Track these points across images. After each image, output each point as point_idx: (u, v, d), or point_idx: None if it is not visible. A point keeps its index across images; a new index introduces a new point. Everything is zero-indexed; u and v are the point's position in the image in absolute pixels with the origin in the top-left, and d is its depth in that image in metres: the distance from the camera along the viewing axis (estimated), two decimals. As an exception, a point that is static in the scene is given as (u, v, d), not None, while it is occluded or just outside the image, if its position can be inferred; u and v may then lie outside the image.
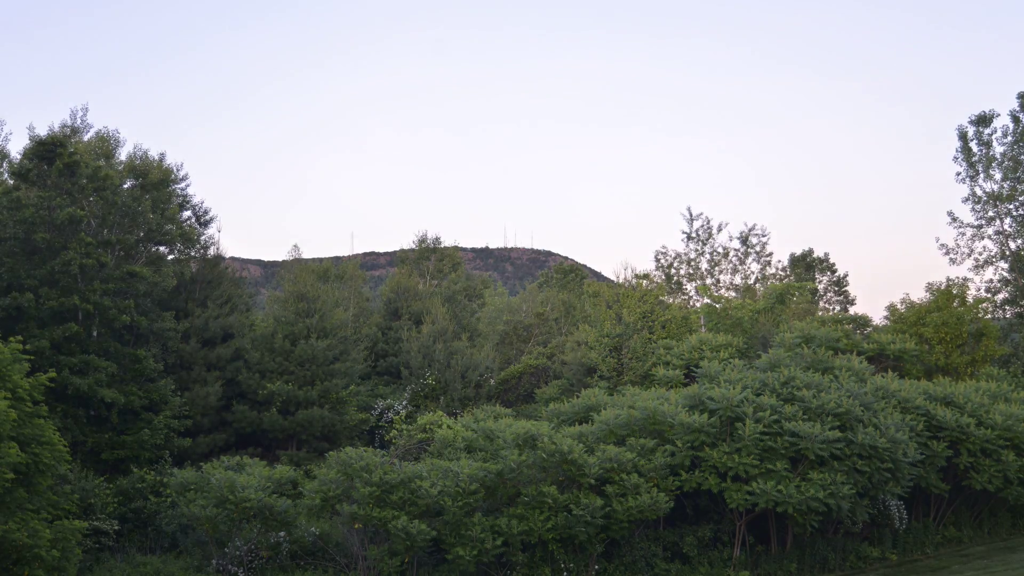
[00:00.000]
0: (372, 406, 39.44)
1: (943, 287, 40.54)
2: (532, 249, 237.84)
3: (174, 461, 30.05)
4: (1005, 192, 43.58)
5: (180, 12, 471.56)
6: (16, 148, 36.73)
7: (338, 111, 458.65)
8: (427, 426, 31.58)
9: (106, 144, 37.05)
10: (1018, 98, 43.79)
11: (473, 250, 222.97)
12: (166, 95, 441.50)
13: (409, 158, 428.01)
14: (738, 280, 50.21)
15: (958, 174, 45.19)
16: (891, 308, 41.91)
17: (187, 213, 38.59)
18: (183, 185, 38.59)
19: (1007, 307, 44.31)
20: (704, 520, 25.42)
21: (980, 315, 39.69)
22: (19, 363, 20.44)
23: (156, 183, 35.99)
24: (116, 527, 25.48)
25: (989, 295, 43.92)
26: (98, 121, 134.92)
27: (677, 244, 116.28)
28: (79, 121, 37.12)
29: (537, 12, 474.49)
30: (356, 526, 22.38)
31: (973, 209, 44.77)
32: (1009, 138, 43.85)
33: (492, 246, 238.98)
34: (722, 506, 24.72)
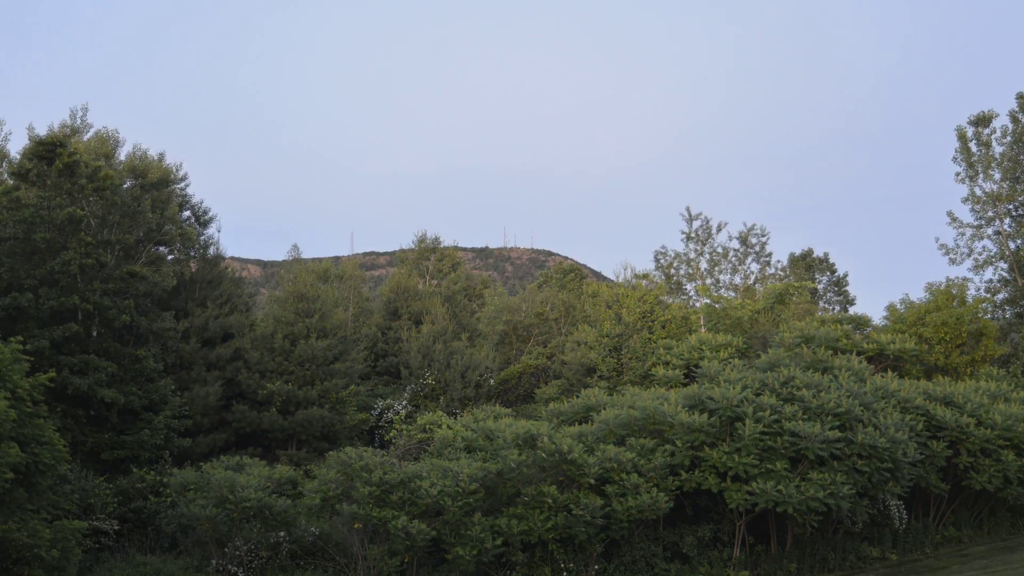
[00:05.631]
0: (372, 406, 39.41)
1: (943, 287, 40.58)
2: (532, 249, 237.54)
3: (174, 461, 30.04)
4: (1004, 192, 43.60)
5: (180, 11, 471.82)
6: (16, 148, 36.73)
7: (338, 111, 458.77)
8: (427, 426, 31.57)
9: (106, 144, 37.01)
10: (1017, 98, 43.80)
11: (473, 250, 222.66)
12: (166, 95, 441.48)
13: (409, 158, 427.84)
14: (738, 280, 50.23)
15: (958, 174, 45.22)
16: (891, 308, 41.95)
17: (187, 213, 38.60)
18: (183, 185, 38.61)
19: (1007, 307, 44.34)
20: (704, 520, 25.44)
21: (980, 315, 39.73)
22: (19, 363, 20.43)
23: (156, 183, 35.98)
24: (116, 527, 25.48)
25: (989, 295, 43.94)
26: (98, 121, 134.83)
27: (677, 244, 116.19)
28: (79, 121, 37.11)
29: (539, 10, 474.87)
30: (356, 526, 22.38)
31: (973, 209, 44.80)
32: (1008, 138, 43.87)
33: (492, 246, 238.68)
34: (722, 506, 24.73)
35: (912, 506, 27.85)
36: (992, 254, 44.45)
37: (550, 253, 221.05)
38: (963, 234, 45.07)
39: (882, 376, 28.45)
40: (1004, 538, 28.26)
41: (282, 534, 23.56)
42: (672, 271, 49.10)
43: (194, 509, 22.94)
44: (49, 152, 29.44)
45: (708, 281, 48.91)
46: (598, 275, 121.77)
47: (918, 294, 49.17)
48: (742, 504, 23.28)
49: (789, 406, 24.16)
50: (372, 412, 38.89)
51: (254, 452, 33.00)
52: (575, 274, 63.02)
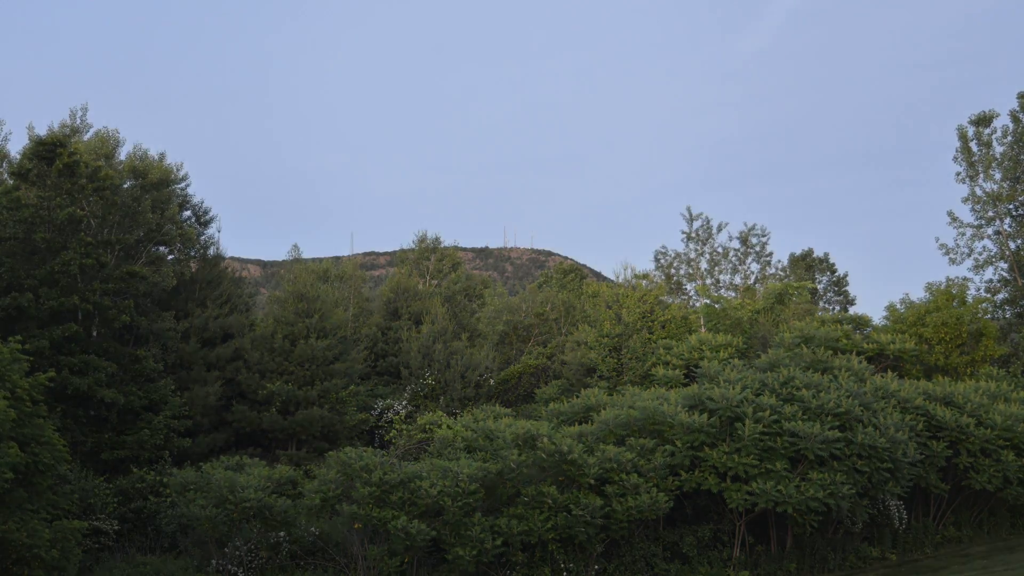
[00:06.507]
0: (372, 406, 39.40)
1: (943, 287, 40.54)
2: (532, 249, 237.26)
3: (174, 461, 30.04)
4: (1005, 192, 43.59)
5: (180, 11, 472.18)
6: (16, 148, 36.78)
7: (338, 111, 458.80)
8: (427, 426, 31.53)
9: (106, 144, 37.04)
10: (1018, 98, 43.78)
11: (473, 250, 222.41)
12: (166, 95, 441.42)
13: (409, 158, 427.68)
14: (738, 280, 50.21)
15: (958, 174, 45.20)
16: (891, 308, 41.90)
17: (187, 213, 38.63)
18: (183, 185, 38.65)
19: (1007, 307, 44.31)
20: (704, 520, 25.43)
21: (980, 315, 39.69)
22: (19, 363, 20.43)
23: (156, 183, 36.00)
24: (116, 527, 25.49)
25: (989, 295, 43.92)
26: (98, 121, 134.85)
27: (677, 244, 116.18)
28: (79, 121, 37.14)
29: (539, 10, 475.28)
30: (356, 526, 22.38)
31: (973, 209, 44.78)
32: (1009, 138, 43.85)
33: (492, 246, 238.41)
34: (722, 506, 24.73)
35: (912, 506, 27.84)
36: (992, 254, 44.43)
37: (550, 253, 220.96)
38: (963, 234, 45.06)
39: (882, 376, 28.44)
40: (1004, 538, 28.25)
41: (282, 534, 23.56)
42: (672, 271, 49.11)
43: (194, 509, 22.94)
44: (49, 152, 29.45)
45: (708, 281, 48.92)
46: (598, 275, 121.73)
47: (918, 294, 49.16)
48: (742, 504, 23.28)
49: (789, 406, 24.16)
50: (372, 412, 38.89)
51: (254, 452, 32.99)
52: (575, 274, 63.00)
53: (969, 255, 44.85)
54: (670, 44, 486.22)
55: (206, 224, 39.02)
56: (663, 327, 38.92)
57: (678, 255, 49.20)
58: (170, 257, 36.78)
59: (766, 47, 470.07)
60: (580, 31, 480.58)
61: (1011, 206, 43.84)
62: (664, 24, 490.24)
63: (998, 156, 43.99)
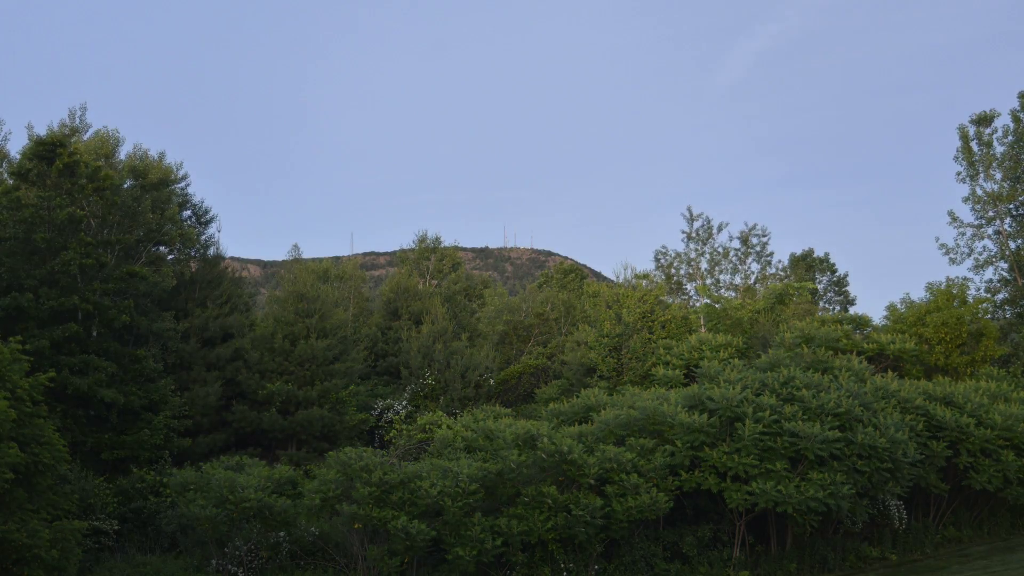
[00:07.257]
0: (372, 406, 39.41)
1: (943, 287, 40.54)
2: (532, 249, 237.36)
3: (174, 461, 30.04)
4: (1005, 192, 43.59)
5: (180, 12, 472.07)
6: (16, 148, 36.80)
7: (338, 111, 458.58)
8: (427, 426, 31.53)
9: (106, 144, 37.05)
10: (1019, 97, 43.80)
11: (473, 250, 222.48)
12: (166, 95, 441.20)
13: (409, 157, 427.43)
14: (738, 280, 50.19)
15: (958, 174, 45.25)
16: (891, 308, 41.93)
17: (187, 213, 38.65)
18: (183, 185, 38.70)
19: (1007, 307, 44.33)
20: (704, 520, 25.42)
21: (980, 315, 39.70)
22: (19, 363, 20.42)
23: (156, 183, 36.02)
24: (116, 527, 25.47)
25: (989, 295, 43.93)
26: (98, 121, 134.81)
27: (677, 244, 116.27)
28: (79, 121, 37.16)
29: (540, 9, 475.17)
30: (356, 526, 22.37)
31: (973, 209, 44.83)
32: (1009, 138, 43.86)
33: (492, 246, 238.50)
34: (722, 506, 24.72)
35: (912, 506, 27.84)
36: (992, 254, 44.47)
37: (550, 253, 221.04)
38: (963, 234, 45.12)
39: (882, 376, 28.44)
40: (1004, 538, 28.25)
41: (282, 534, 23.55)
42: (672, 271, 49.08)
43: (194, 509, 22.92)
44: (49, 152, 29.44)
45: (708, 281, 48.89)
46: (598, 275, 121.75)
47: (918, 294, 49.18)
48: (742, 504, 23.26)
49: (789, 406, 24.15)
50: (372, 412, 38.89)
51: (254, 452, 32.99)
52: (575, 274, 63.01)
53: (969, 255, 44.91)
54: (670, 43, 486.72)
55: (206, 224, 39.07)
56: (663, 327, 38.92)
57: (678, 255, 49.19)
58: (170, 257, 36.79)
59: (765, 43, 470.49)
60: (579, 29, 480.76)
61: (1011, 206, 43.85)
62: (663, 24, 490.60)
63: (999, 156, 44.00)
